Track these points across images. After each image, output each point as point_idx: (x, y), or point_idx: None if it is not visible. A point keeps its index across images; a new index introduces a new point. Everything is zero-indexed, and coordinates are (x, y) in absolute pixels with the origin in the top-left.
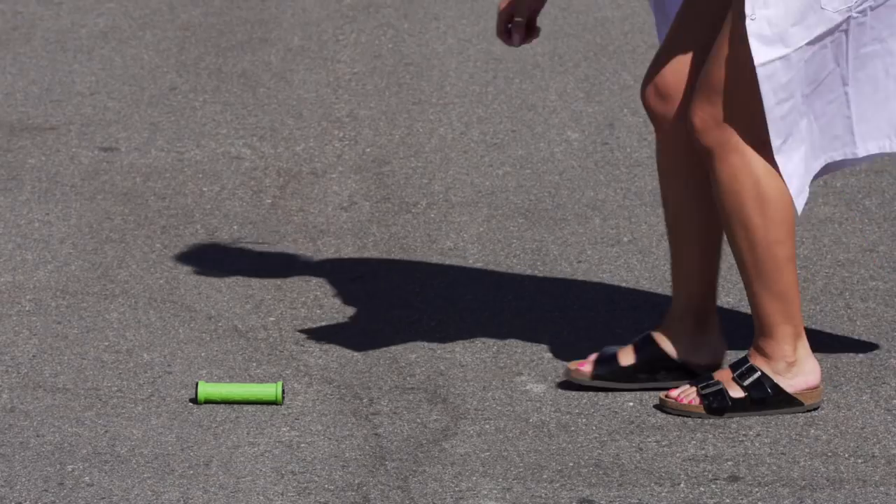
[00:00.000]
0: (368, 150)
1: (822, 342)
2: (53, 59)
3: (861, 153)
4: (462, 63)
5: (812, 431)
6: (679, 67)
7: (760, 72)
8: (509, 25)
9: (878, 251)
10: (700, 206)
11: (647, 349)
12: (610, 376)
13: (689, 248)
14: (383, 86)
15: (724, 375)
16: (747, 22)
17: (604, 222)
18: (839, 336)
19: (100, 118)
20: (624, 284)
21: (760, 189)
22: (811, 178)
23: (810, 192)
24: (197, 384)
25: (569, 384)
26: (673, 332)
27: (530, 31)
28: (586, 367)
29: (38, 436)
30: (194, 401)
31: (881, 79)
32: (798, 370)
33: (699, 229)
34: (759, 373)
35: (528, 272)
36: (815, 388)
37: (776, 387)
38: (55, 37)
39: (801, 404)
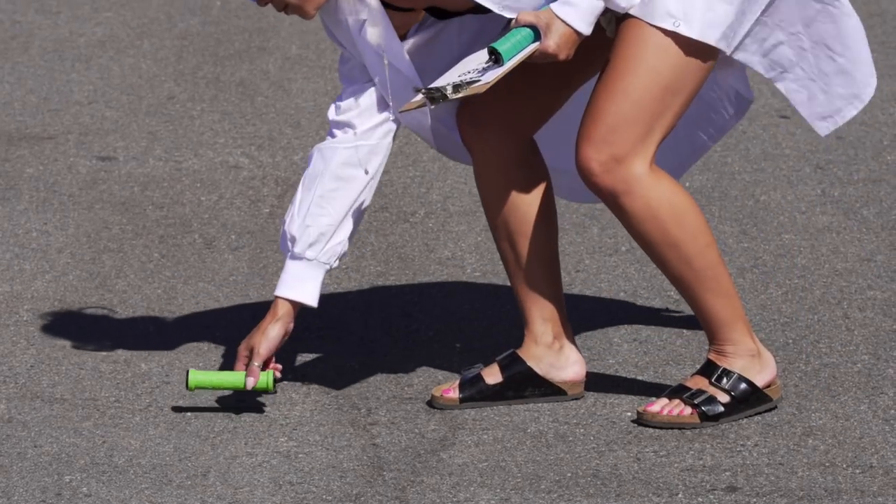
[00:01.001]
0: None
1: (819, 352)
2: (51, 68)
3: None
4: None
5: (810, 441)
6: (490, 93)
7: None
8: (256, 364)
9: (876, 260)
10: (535, 223)
11: (513, 367)
12: (478, 396)
13: (531, 268)
14: None
15: (700, 383)
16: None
17: (601, 232)
18: (837, 346)
19: (98, 127)
20: (622, 294)
21: (674, 205)
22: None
23: (807, 203)
24: (188, 371)
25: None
26: (535, 348)
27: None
28: (452, 392)
29: (35, 446)
30: (185, 387)
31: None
32: (763, 362)
33: (537, 247)
34: (735, 374)
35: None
36: (776, 380)
37: (752, 384)
38: (53, 46)
39: (771, 400)
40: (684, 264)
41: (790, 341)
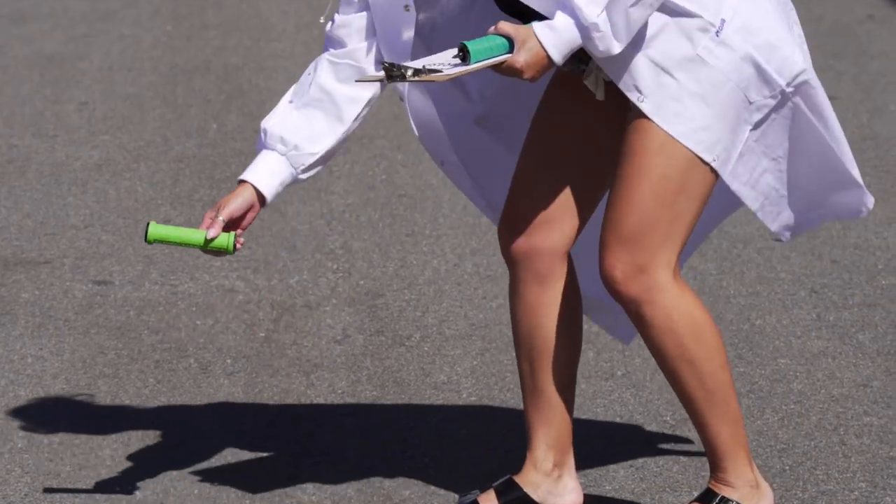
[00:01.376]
0: (362, 282)
1: (816, 479)
2: (48, 192)
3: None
4: (455, 194)
5: None
6: (530, 203)
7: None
8: (220, 219)
9: (872, 386)
10: (558, 346)
11: (510, 493)
12: None
13: (547, 391)
14: (377, 217)
15: None
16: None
17: (597, 356)
18: (834, 473)
19: (94, 251)
20: (618, 419)
21: (694, 320)
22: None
23: (802, 327)
24: (147, 224)
25: None
26: (534, 475)
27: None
28: None
29: None
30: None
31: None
32: (761, 493)
33: (556, 371)
34: (733, 502)
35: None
36: None
37: None
38: (50, 170)
39: None
40: (697, 382)
41: (787, 468)
